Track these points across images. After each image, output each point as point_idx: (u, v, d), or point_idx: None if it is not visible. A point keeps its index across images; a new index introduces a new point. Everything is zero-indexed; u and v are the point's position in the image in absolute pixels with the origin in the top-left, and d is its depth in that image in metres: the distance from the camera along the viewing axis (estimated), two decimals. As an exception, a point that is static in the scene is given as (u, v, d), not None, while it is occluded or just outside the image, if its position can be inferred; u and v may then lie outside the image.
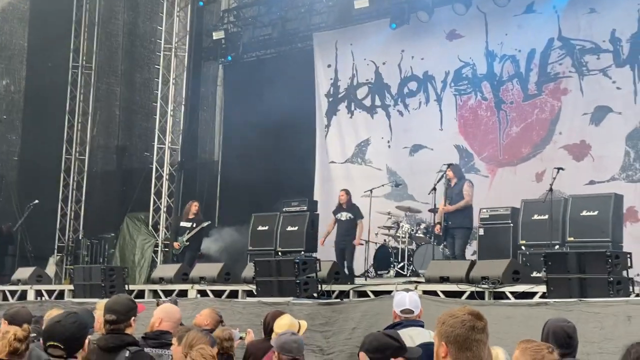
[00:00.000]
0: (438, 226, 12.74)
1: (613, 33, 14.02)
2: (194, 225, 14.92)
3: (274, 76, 17.55)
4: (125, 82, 20.20)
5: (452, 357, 3.60)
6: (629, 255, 9.39)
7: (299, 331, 6.66)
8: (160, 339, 5.89)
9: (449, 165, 12.97)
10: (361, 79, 17.23)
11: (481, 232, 12.63)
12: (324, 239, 14.53)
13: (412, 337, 5.51)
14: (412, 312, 5.79)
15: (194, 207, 15.17)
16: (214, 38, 18.54)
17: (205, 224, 14.98)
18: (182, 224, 15.07)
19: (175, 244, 15.14)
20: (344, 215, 14.32)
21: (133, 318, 5.27)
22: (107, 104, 20.07)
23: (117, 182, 20.23)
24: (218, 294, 12.95)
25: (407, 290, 6.19)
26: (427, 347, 5.63)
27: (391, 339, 4.64)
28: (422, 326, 5.72)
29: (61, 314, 4.55)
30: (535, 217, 11.95)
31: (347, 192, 14.47)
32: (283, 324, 6.49)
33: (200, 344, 5.32)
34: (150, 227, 18.65)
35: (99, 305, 6.49)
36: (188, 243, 14.97)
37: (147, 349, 5.57)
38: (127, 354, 4.95)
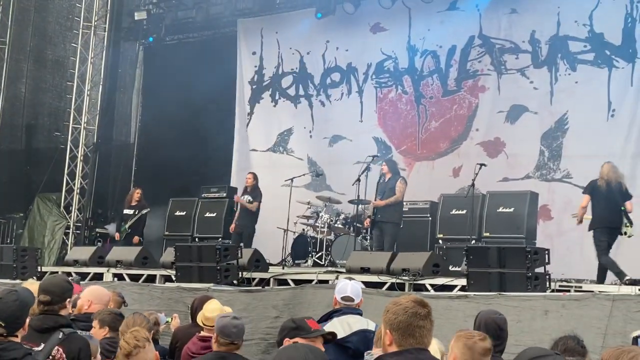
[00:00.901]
0: (368, 219, 12.82)
1: (533, 34, 14.37)
2: (136, 212, 14.63)
3: (196, 60, 17.38)
4: (34, 59, 19.57)
5: (397, 344, 3.67)
6: (546, 252, 9.68)
7: None
8: (90, 321, 5.79)
9: (379, 159, 13.06)
10: (286, 68, 17.20)
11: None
12: (234, 225, 14.46)
13: (349, 324, 5.61)
14: (352, 299, 5.89)
15: (137, 194, 14.87)
16: (136, 18, 18.19)
17: (145, 210, 14.69)
18: (125, 211, 14.77)
19: (116, 235, 14.80)
20: (245, 198, 14.29)
21: (68, 300, 5.16)
22: (14, 81, 19.41)
23: (23, 161, 19.64)
24: (135, 278, 12.78)
25: (350, 279, 6.27)
26: (364, 334, 5.73)
27: (290, 322, 4.68)
28: (361, 314, 5.83)
29: (2, 291, 4.43)
30: (454, 211, 12.21)
31: (255, 177, 14.39)
32: (213, 308, 6.44)
33: (135, 327, 5.25)
34: (61, 209, 18.22)
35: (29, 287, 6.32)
36: (129, 230, 14.64)
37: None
38: (60, 335, 4.83)
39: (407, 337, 3.68)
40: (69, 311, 5.30)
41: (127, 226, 14.67)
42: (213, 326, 5.77)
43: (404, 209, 12.95)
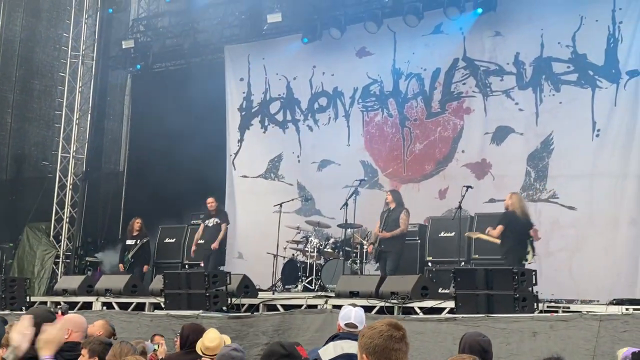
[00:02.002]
0: (371, 246, 12.82)
1: (517, 56, 14.47)
2: (137, 242, 14.64)
3: (184, 87, 17.44)
4: (20, 89, 19.61)
5: (373, 368, 3.69)
6: (534, 273, 9.73)
7: None
8: (75, 350, 5.80)
9: (366, 183, 13.12)
10: (274, 94, 17.26)
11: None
12: (194, 247, 14.47)
13: (343, 348, 5.64)
14: (355, 326, 5.93)
15: (137, 224, 14.90)
16: (124, 47, 18.24)
17: (145, 239, 14.72)
18: (127, 242, 14.79)
19: (120, 266, 14.79)
20: (212, 222, 14.36)
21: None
22: (-1, 111, 19.45)
23: (10, 191, 19.60)
24: (124, 306, 12.78)
25: (354, 305, 6.30)
26: (350, 358, 5.75)
27: (280, 347, 4.67)
28: None
29: None
30: (442, 234, 12.25)
31: (215, 200, 14.54)
32: (213, 337, 6.51)
33: (123, 355, 5.27)
34: (51, 238, 18.20)
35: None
36: (132, 260, 14.63)
37: None
38: None
39: (384, 361, 3.71)
40: None
41: (129, 256, 14.67)
42: (213, 355, 5.83)
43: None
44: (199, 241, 14.53)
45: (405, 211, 12.77)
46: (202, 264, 14.28)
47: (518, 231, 11.26)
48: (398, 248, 12.65)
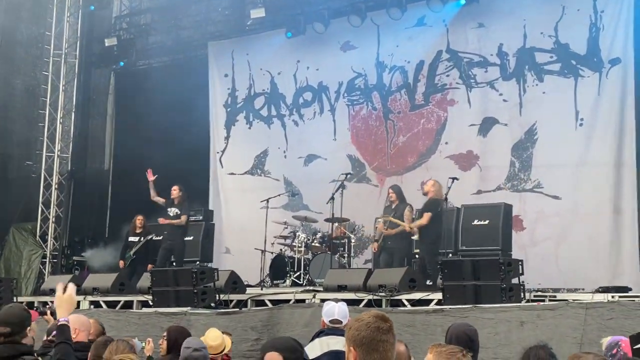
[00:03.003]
0: (376, 244, 12.77)
1: (500, 47, 14.51)
2: (142, 239, 14.57)
3: (167, 84, 17.35)
4: (2, 88, 19.46)
5: (361, 360, 3.71)
6: (520, 263, 9.77)
7: (223, 350, 6.78)
8: (85, 350, 5.85)
9: (352, 177, 13.13)
10: (258, 89, 17.24)
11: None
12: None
13: (328, 344, 5.65)
14: (340, 322, 5.96)
15: (139, 220, 14.79)
16: (106, 45, 18.18)
17: (149, 236, 14.63)
18: (130, 238, 14.70)
19: (120, 263, 14.70)
20: (172, 211, 14.28)
21: (28, 328, 5.17)
22: (-21, 111, 19.32)
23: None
24: (112, 304, 12.75)
25: (337, 300, 6.30)
26: (336, 355, 5.77)
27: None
28: None
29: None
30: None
31: (180, 189, 14.39)
32: (215, 336, 6.68)
33: (119, 353, 5.30)
34: (37, 238, 18.14)
35: None
36: (134, 257, 14.54)
37: None
38: None
39: (372, 352, 3.71)
40: (30, 339, 5.31)
41: (131, 253, 14.60)
42: (217, 354, 5.88)
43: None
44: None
45: (409, 207, 12.71)
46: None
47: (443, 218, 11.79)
48: (405, 244, 12.60)
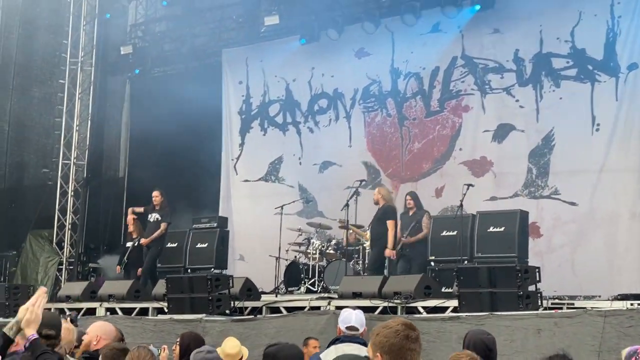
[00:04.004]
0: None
1: (516, 53, 14.45)
2: (135, 244, 14.64)
3: (182, 92, 17.39)
4: (18, 97, 19.61)
5: (387, 367, 3.68)
6: (537, 270, 9.69)
7: (241, 359, 6.80)
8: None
9: (367, 184, 13.14)
10: (272, 96, 17.24)
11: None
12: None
13: (344, 351, 5.61)
14: (356, 329, 5.92)
15: (130, 220, 14.94)
16: (122, 53, 18.26)
17: (136, 241, 14.70)
18: (128, 244, 14.78)
19: (117, 268, 14.75)
20: (153, 217, 14.32)
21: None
22: (-4, 120, 19.44)
23: (9, 199, 19.60)
24: (128, 311, 12.76)
25: (354, 308, 6.27)
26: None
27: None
28: (363, 344, 5.77)
29: None
30: (445, 233, 12.16)
31: (161, 194, 14.43)
32: (234, 345, 6.71)
33: None
34: (54, 245, 18.20)
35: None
36: (127, 261, 14.57)
37: None
38: None
39: (399, 360, 3.70)
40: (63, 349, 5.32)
41: (125, 258, 14.63)
42: None
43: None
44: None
45: (427, 214, 12.71)
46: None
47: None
48: (423, 251, 12.52)
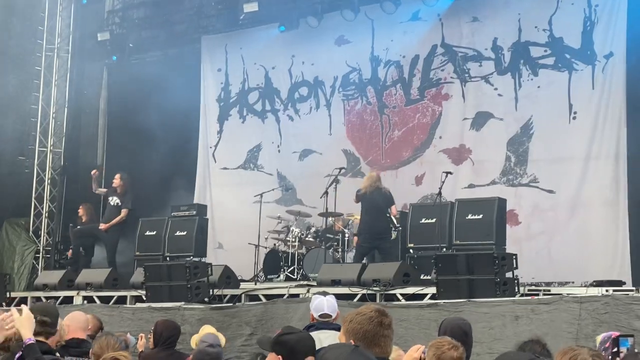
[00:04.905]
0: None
1: (495, 41, 14.47)
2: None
3: (161, 79, 17.27)
4: (-7, 84, 19.41)
5: (362, 354, 3.67)
6: (514, 257, 9.75)
7: None
8: (80, 347, 5.84)
9: (347, 171, 13.11)
10: (252, 84, 17.17)
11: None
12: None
13: (321, 339, 5.59)
14: (329, 316, 5.94)
15: (80, 210, 14.97)
16: (99, 39, 18.09)
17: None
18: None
19: (69, 252, 14.83)
20: (113, 200, 14.35)
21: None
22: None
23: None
24: (105, 300, 12.72)
25: (325, 294, 6.26)
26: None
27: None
28: (338, 329, 5.79)
29: None
30: (423, 220, 12.20)
31: (121, 177, 14.43)
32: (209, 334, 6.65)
33: (109, 348, 5.28)
34: (30, 233, 18.06)
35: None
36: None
37: (67, 358, 5.51)
38: None
39: (373, 347, 3.71)
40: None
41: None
42: None
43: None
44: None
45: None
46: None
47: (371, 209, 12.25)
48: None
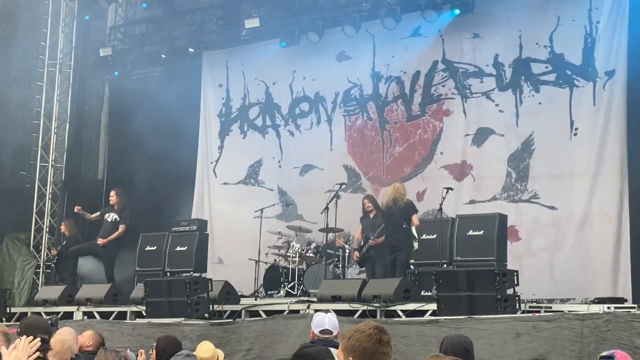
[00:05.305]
0: (356, 253, 12.79)
1: (496, 57, 14.49)
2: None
3: (162, 95, 17.35)
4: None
5: (360, 371, 3.67)
6: (515, 273, 9.72)
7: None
8: None
9: (347, 187, 13.09)
10: (252, 99, 17.19)
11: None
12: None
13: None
14: (331, 332, 5.94)
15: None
16: (101, 55, 18.14)
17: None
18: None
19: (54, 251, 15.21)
20: (111, 217, 14.39)
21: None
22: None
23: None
24: (105, 315, 12.69)
25: (327, 311, 6.27)
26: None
27: None
28: (338, 347, 5.78)
29: None
30: (424, 236, 12.18)
31: (117, 194, 14.48)
32: (207, 349, 6.72)
33: None
34: (31, 248, 18.05)
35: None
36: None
37: None
38: None
39: (371, 364, 3.69)
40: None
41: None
42: None
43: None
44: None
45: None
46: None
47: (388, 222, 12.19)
48: (386, 252, 12.65)
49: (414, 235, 12.09)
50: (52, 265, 15.86)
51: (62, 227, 15.39)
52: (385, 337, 3.76)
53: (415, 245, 12.01)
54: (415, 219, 12.30)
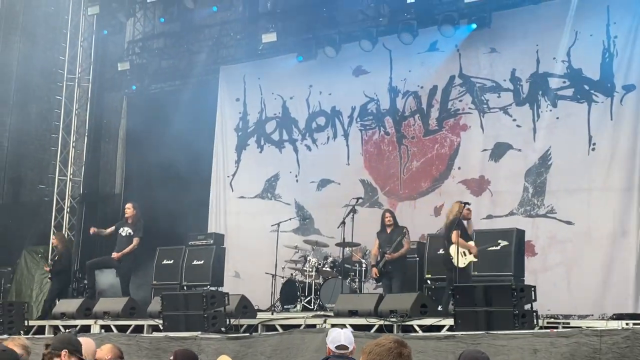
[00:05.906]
0: (375, 269, 12.73)
1: (513, 72, 14.47)
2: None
3: (180, 109, 17.44)
4: (17, 112, 19.64)
5: (381, 385, 3.67)
6: (533, 289, 9.67)
7: None
8: None
9: (364, 201, 13.05)
10: (269, 113, 17.25)
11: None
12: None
13: (336, 371, 5.61)
14: (346, 347, 5.93)
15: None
16: (119, 69, 18.31)
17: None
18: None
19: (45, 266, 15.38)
20: (125, 231, 14.46)
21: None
22: (-5, 135, 19.54)
23: (6, 215, 19.59)
24: (123, 328, 12.72)
25: (342, 327, 6.28)
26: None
27: None
28: None
29: None
30: (441, 251, 12.15)
31: (134, 207, 14.54)
32: None
33: None
34: (49, 262, 18.11)
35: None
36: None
37: None
38: None
39: (392, 378, 3.68)
40: None
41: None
42: None
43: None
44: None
45: (406, 230, 12.89)
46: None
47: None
48: (403, 267, 12.70)
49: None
50: (49, 279, 15.91)
51: (54, 241, 15.45)
52: (406, 351, 3.76)
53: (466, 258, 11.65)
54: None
